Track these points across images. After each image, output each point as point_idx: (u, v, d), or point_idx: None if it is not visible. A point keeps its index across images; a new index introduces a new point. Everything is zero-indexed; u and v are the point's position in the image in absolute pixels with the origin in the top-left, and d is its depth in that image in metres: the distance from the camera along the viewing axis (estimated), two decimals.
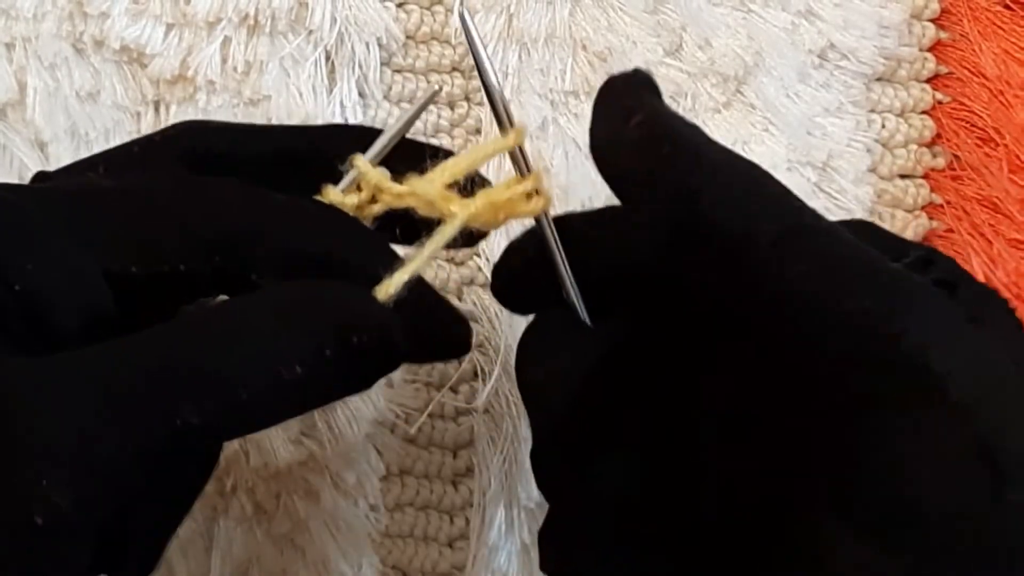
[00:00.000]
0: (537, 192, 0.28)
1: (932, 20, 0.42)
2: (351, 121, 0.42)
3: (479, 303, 0.42)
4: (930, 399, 0.22)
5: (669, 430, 0.25)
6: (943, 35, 0.42)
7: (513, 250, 0.30)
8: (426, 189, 0.28)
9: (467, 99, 0.42)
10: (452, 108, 0.42)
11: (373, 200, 0.29)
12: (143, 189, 0.27)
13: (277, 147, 0.31)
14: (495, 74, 0.27)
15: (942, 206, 0.42)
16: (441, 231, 0.27)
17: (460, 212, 0.27)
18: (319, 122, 0.41)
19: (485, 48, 0.29)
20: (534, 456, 0.29)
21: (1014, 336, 0.25)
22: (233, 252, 0.26)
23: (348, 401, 0.40)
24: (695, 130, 0.27)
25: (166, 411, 0.22)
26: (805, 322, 0.23)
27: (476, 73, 0.41)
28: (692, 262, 0.25)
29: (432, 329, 0.28)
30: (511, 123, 0.27)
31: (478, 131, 0.42)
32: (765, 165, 0.40)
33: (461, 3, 0.28)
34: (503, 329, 0.41)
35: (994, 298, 0.26)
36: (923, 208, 0.42)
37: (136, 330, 0.24)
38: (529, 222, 0.28)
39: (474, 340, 0.41)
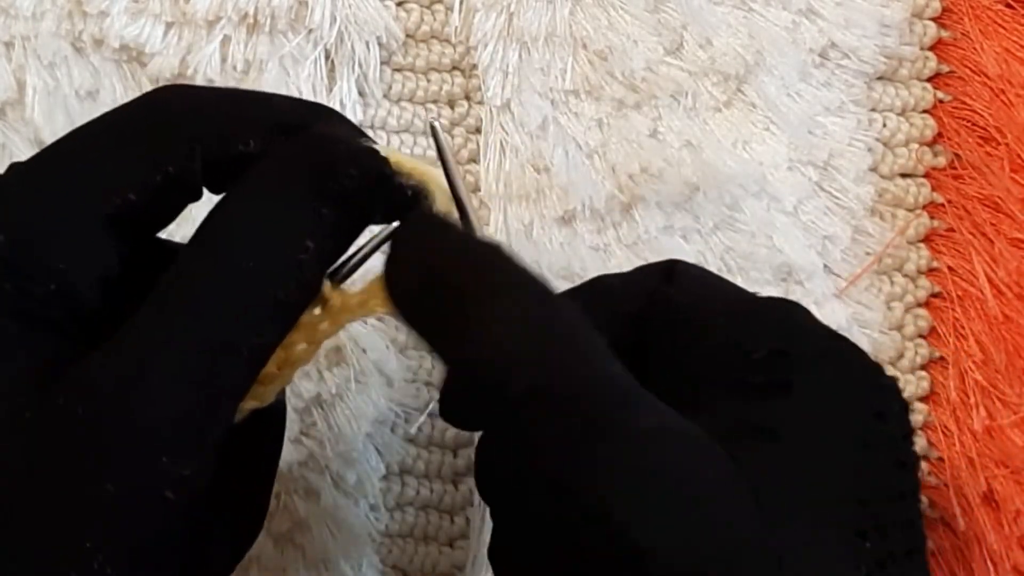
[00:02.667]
0: None
1: (933, 19, 0.42)
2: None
3: None
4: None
5: None
6: (944, 34, 0.42)
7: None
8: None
9: (467, 98, 0.42)
10: (452, 107, 0.42)
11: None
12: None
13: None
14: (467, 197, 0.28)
15: (943, 205, 0.42)
16: None
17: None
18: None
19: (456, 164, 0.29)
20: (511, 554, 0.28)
21: (832, 399, 0.25)
22: (217, 133, 0.27)
23: (348, 400, 0.40)
24: (469, 273, 0.26)
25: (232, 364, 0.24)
26: (532, 487, 0.24)
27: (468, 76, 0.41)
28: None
29: None
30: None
31: (478, 130, 0.42)
32: (766, 164, 0.41)
33: (436, 119, 0.28)
34: None
35: (830, 359, 0.26)
36: (924, 207, 0.42)
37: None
38: None
39: None
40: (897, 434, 0.26)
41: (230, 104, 0.28)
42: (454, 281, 0.25)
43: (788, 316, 0.28)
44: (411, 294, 0.26)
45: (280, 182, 0.26)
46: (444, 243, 0.27)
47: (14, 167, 0.27)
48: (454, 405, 0.26)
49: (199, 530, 0.26)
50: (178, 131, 0.27)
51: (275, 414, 0.30)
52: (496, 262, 0.26)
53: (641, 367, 0.26)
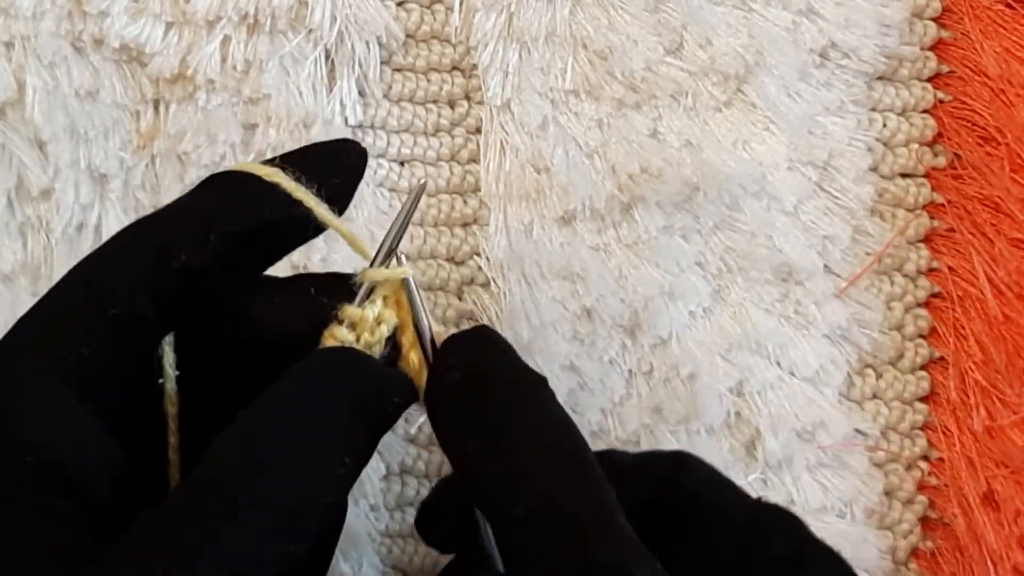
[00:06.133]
0: None
1: (933, 19, 0.42)
2: (350, 120, 0.42)
3: (479, 303, 0.42)
4: None
5: None
6: (944, 34, 0.42)
7: (441, 489, 0.31)
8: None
9: (467, 98, 0.42)
10: (452, 107, 0.42)
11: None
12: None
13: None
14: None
15: (943, 205, 0.42)
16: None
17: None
18: (318, 122, 0.41)
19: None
20: None
21: None
22: (167, 261, 0.27)
23: None
24: (509, 387, 0.27)
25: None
26: None
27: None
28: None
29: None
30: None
31: (478, 130, 0.42)
32: (766, 164, 0.41)
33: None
34: (504, 330, 0.41)
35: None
36: (924, 207, 0.42)
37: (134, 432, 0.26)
38: None
39: None
40: None
41: (164, 221, 0.28)
42: (492, 399, 0.27)
43: (795, 522, 0.29)
44: (449, 395, 0.27)
45: (322, 401, 0.26)
46: (492, 358, 0.28)
47: None
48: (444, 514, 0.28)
49: None
50: (112, 268, 0.27)
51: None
52: (535, 392, 0.27)
53: (650, 547, 0.26)
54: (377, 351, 0.29)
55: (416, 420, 0.41)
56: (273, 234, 0.29)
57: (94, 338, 0.26)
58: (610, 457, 0.31)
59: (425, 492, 0.41)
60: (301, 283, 0.30)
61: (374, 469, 0.41)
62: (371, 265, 0.30)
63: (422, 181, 0.32)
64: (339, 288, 0.30)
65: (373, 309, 0.29)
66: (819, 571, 0.27)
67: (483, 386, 0.27)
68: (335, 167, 0.30)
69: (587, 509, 0.25)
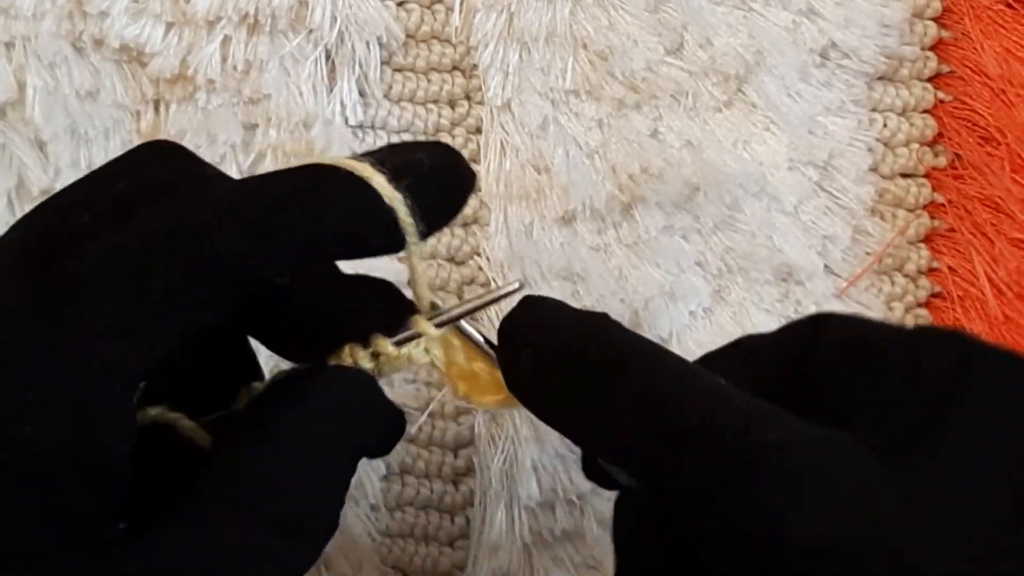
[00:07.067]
0: None
1: (934, 19, 0.42)
2: (351, 120, 0.42)
3: None
4: None
5: None
6: (945, 34, 0.42)
7: None
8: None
9: (468, 98, 0.42)
10: (452, 107, 0.42)
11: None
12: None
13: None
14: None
15: (944, 205, 0.42)
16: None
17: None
18: (319, 122, 0.41)
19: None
20: None
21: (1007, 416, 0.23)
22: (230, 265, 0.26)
23: None
24: (584, 332, 0.27)
25: None
26: (700, 519, 0.23)
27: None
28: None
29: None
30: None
31: (478, 130, 0.42)
32: (767, 164, 0.41)
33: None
34: None
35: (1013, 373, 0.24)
36: (925, 207, 0.42)
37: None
38: None
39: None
40: None
41: (271, 235, 0.26)
42: (576, 354, 0.26)
43: (956, 335, 0.26)
44: (531, 370, 0.27)
45: (335, 428, 0.27)
46: (560, 320, 0.28)
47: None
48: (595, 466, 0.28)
49: None
50: (210, 272, 0.25)
51: None
52: (610, 330, 0.27)
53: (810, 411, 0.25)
54: (389, 372, 0.30)
55: (416, 420, 0.41)
56: (363, 249, 0.28)
57: (169, 342, 0.25)
58: (744, 343, 0.30)
59: (425, 492, 0.41)
60: (352, 284, 0.30)
61: (374, 469, 0.41)
62: (427, 317, 0.30)
63: (519, 282, 0.32)
64: (385, 299, 0.30)
65: (408, 350, 0.29)
66: (985, 382, 0.24)
67: (560, 346, 0.27)
68: (443, 207, 0.29)
69: (722, 407, 0.24)
